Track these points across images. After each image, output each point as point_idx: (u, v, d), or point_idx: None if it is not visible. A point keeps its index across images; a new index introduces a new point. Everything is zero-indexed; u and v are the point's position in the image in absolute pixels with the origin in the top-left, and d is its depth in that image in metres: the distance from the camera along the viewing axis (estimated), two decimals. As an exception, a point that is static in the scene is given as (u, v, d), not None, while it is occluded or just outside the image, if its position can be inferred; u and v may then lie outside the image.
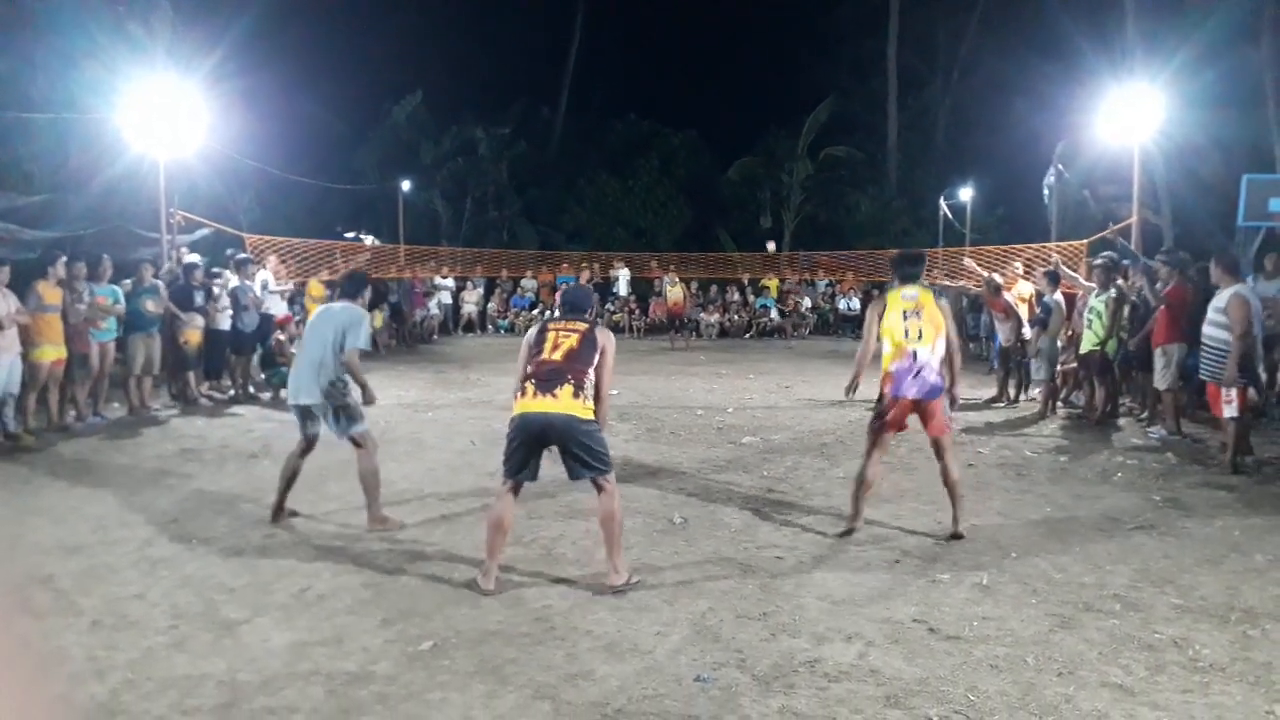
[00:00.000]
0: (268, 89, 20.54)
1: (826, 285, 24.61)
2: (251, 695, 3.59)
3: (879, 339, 5.74)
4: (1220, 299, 7.74)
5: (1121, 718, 3.46)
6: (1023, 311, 11.64)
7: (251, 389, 11.70)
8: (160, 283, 10.64)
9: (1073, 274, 11.27)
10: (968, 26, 29.60)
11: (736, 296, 23.75)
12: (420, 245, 24.59)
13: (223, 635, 4.17)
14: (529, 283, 24.34)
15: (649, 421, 9.95)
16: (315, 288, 13.96)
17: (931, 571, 5.09)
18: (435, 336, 21.46)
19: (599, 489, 4.77)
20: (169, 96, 12.37)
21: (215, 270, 11.86)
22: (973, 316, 16.18)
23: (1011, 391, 11.63)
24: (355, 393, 5.95)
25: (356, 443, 5.84)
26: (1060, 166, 18.08)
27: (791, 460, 8.05)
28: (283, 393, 11.37)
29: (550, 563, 5.17)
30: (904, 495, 5.91)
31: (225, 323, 11.38)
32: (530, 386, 4.68)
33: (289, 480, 6.02)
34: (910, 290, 5.71)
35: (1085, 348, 9.91)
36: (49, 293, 8.95)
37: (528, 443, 4.70)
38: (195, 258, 12.23)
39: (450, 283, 23.21)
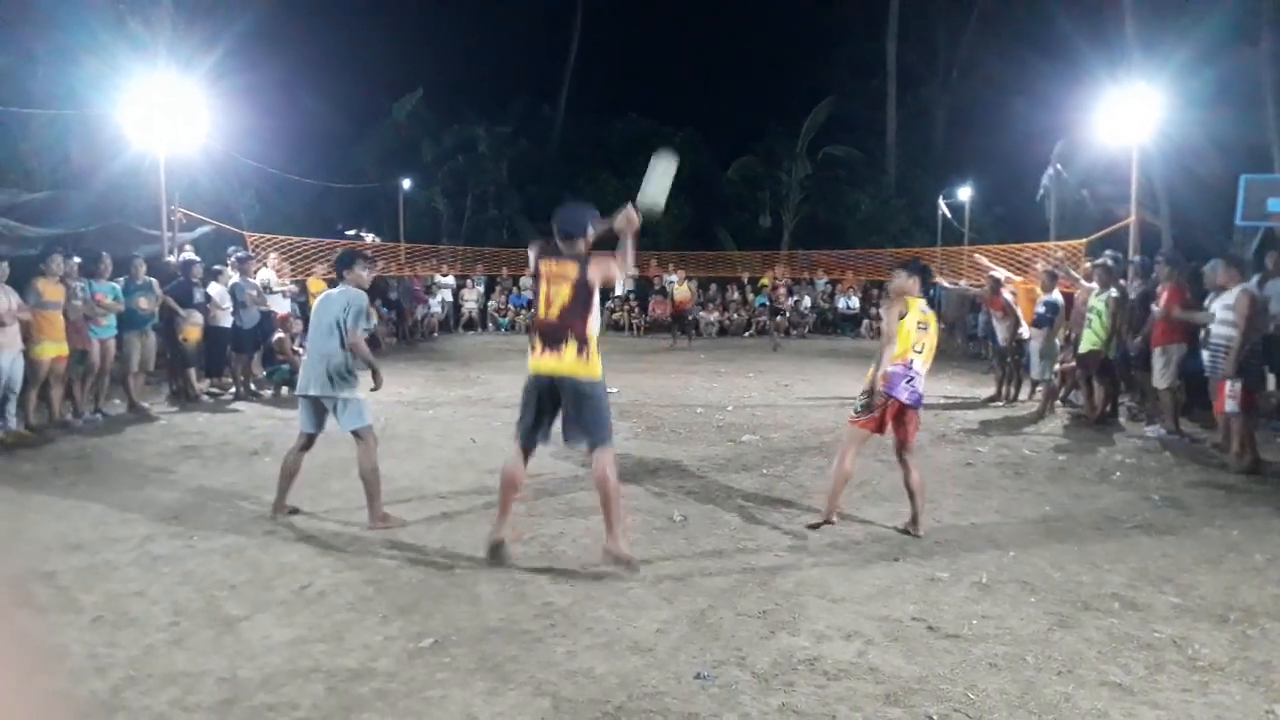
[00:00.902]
0: (268, 86, 20.52)
1: (825, 284, 24.61)
2: (252, 692, 3.60)
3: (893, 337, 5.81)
4: (1229, 297, 7.78)
5: (1121, 716, 3.47)
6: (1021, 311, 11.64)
7: (252, 386, 11.70)
8: (154, 280, 10.63)
9: (1074, 274, 11.29)
10: (967, 26, 29.62)
11: (736, 295, 23.75)
12: (421, 243, 24.60)
13: (223, 632, 4.18)
14: (529, 281, 24.32)
15: (649, 419, 9.97)
16: (316, 285, 13.96)
17: (930, 570, 5.10)
18: (436, 334, 21.47)
19: (594, 460, 4.90)
20: (170, 93, 12.38)
21: (217, 268, 11.86)
22: (972, 316, 16.18)
23: (1010, 390, 11.65)
24: (362, 388, 5.94)
25: (358, 439, 5.85)
26: (1059, 166, 18.10)
27: (791, 459, 8.07)
28: (284, 390, 11.46)
29: (551, 560, 5.18)
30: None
31: (226, 320, 11.38)
32: (538, 343, 4.86)
33: (290, 477, 6.03)
34: (925, 305, 5.91)
35: (1085, 347, 9.93)
36: (50, 289, 8.95)
37: (538, 401, 4.88)
38: (190, 253, 12.24)
39: (451, 280, 23.22)
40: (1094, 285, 9.98)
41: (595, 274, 4.87)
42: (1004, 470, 7.70)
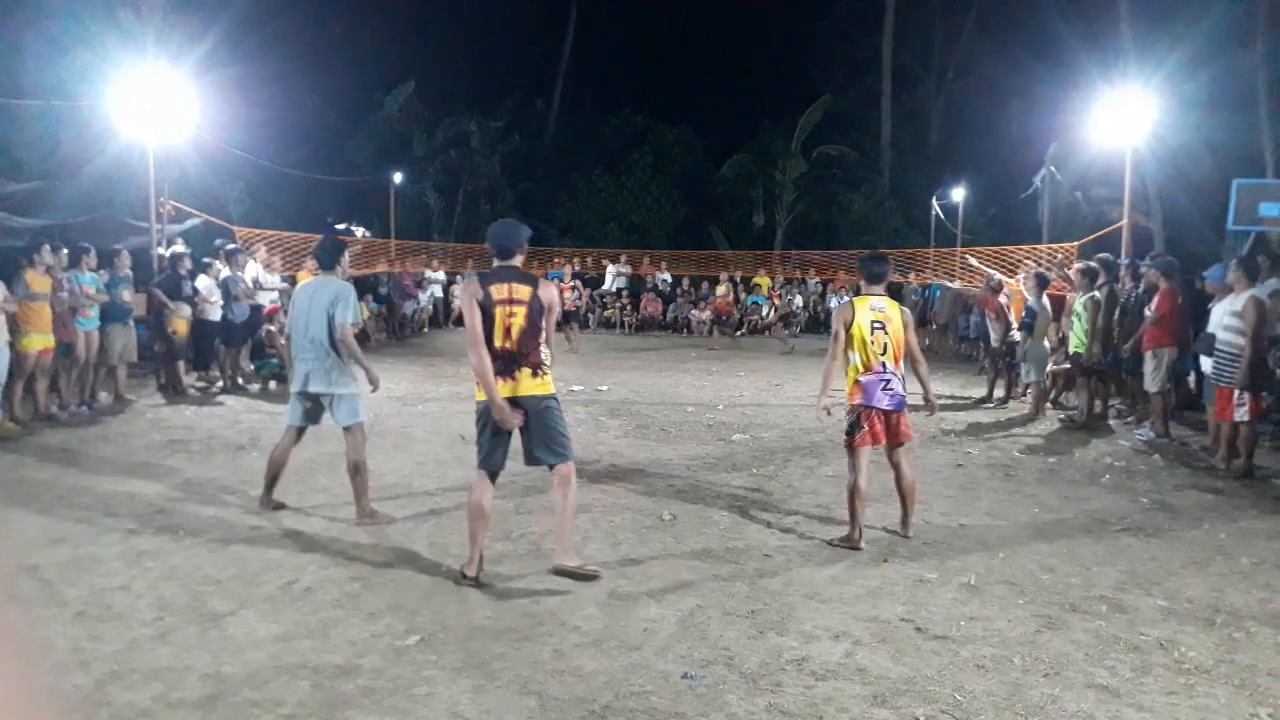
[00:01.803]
0: (259, 78, 20.44)
1: (816, 284, 24.62)
2: (237, 688, 3.57)
3: (846, 348, 5.61)
4: (1236, 303, 7.74)
5: (1106, 718, 3.47)
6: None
7: (240, 380, 11.65)
8: (130, 273, 10.53)
9: (1070, 276, 11.31)
10: (963, 27, 29.66)
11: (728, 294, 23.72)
12: (411, 239, 24.52)
13: (208, 627, 4.15)
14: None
15: (639, 418, 9.95)
16: (305, 279, 13.87)
17: (919, 571, 5.10)
18: (426, 330, 21.40)
19: (558, 478, 4.81)
20: (160, 84, 12.28)
21: (206, 261, 11.79)
22: (964, 318, 16.21)
23: (1000, 392, 11.67)
24: (360, 384, 5.89)
25: (348, 434, 5.81)
26: (1053, 168, 18.14)
27: (781, 458, 8.06)
28: (272, 384, 11.40)
29: (538, 558, 5.16)
30: (891, 495, 5.92)
31: (215, 313, 11.32)
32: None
33: (277, 472, 5.99)
34: (878, 301, 5.66)
35: (1071, 349, 9.97)
36: (37, 281, 8.88)
37: (494, 427, 4.72)
38: (179, 246, 12.16)
39: (441, 276, 23.14)
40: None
41: (546, 295, 4.79)
42: (994, 472, 7.70)
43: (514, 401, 4.68)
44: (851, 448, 5.62)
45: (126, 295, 10.25)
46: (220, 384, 11.49)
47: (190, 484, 6.72)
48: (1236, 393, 7.58)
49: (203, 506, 6.12)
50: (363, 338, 16.21)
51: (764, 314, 22.94)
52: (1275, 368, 8.11)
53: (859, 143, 29.97)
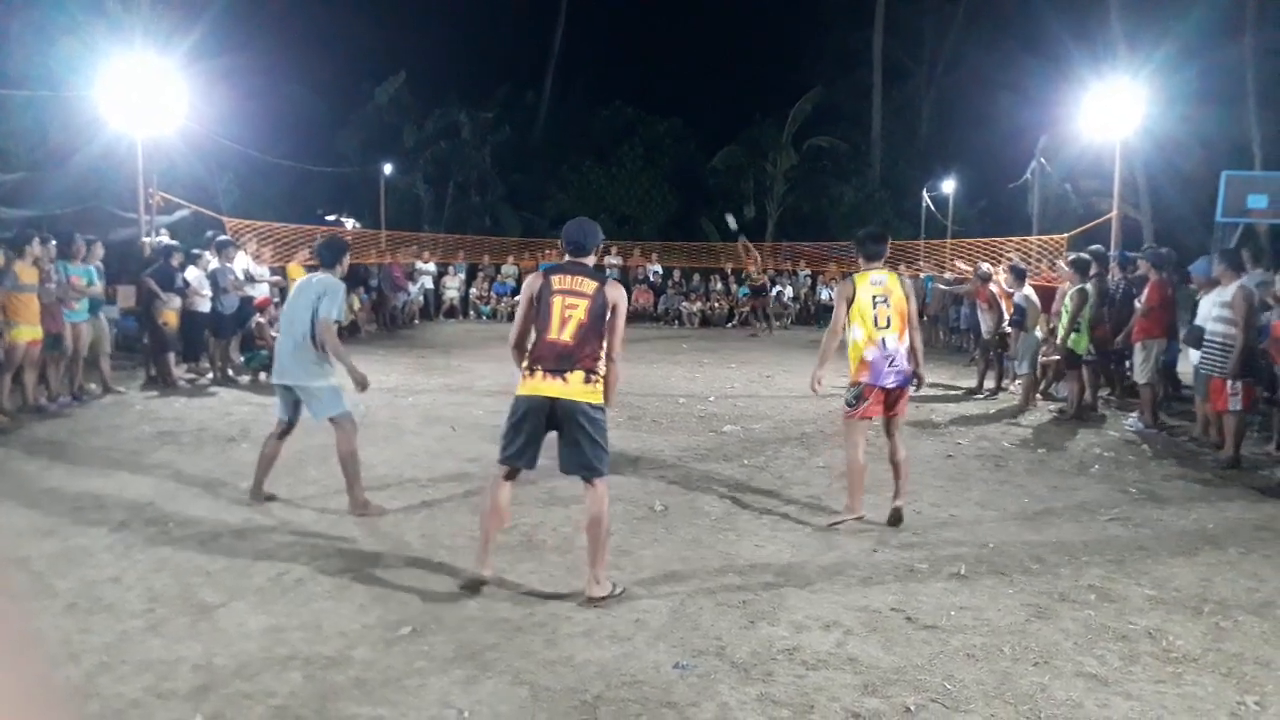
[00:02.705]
0: (247, 68, 20.33)
1: (806, 275, 24.64)
2: (228, 679, 3.57)
3: (847, 325, 5.66)
4: (1225, 294, 7.79)
5: (1095, 707, 3.49)
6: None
7: (230, 372, 11.60)
8: (100, 265, 10.42)
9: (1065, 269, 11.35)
10: (953, 19, 29.71)
11: (719, 285, 23.74)
12: (402, 230, 24.44)
13: (199, 619, 4.14)
14: (510, 269, 24.24)
15: (630, 409, 9.94)
16: (295, 271, 13.82)
17: (909, 560, 5.12)
18: (416, 321, 21.34)
19: (589, 487, 4.44)
20: (147, 74, 12.20)
21: (195, 252, 11.73)
22: (954, 309, 16.26)
23: (990, 383, 11.70)
24: (336, 376, 5.87)
25: (336, 425, 5.79)
26: (1043, 160, 18.17)
27: (772, 449, 8.08)
28: (262, 376, 11.36)
29: (530, 549, 5.16)
30: (883, 485, 5.95)
31: (204, 305, 11.26)
32: (539, 369, 4.34)
33: (267, 463, 5.97)
34: (878, 275, 5.68)
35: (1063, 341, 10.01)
36: (25, 272, 8.82)
37: (531, 426, 4.38)
38: (166, 237, 12.10)
39: (432, 267, 23.07)
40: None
41: (613, 293, 4.42)
42: (984, 462, 7.74)
43: (557, 402, 4.34)
44: (851, 420, 5.67)
45: (96, 287, 10.17)
46: (210, 375, 11.45)
47: (181, 475, 6.69)
48: (1230, 383, 7.63)
49: (193, 498, 6.10)
50: (353, 329, 16.30)
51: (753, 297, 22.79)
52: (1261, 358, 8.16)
53: (850, 135, 30.00)
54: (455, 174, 29.00)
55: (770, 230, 29.29)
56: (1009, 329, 10.99)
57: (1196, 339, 8.17)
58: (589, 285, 4.40)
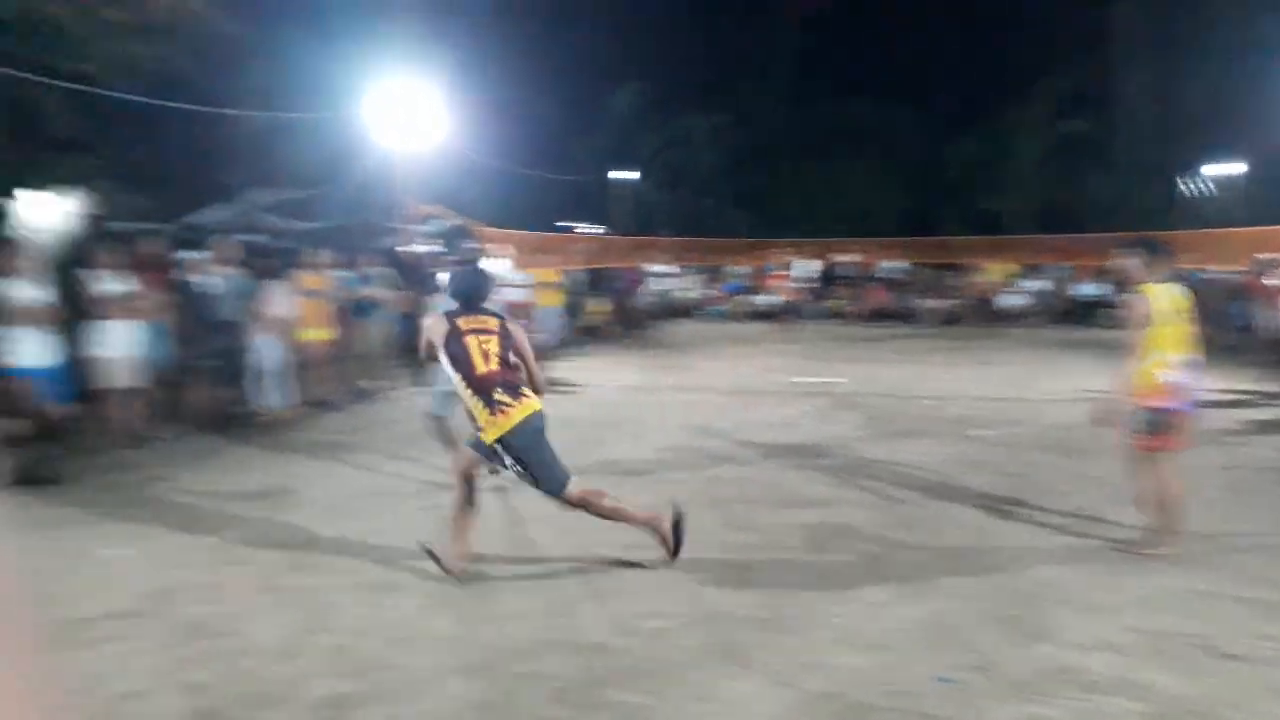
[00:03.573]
0: (487, 83, 21.51)
1: (1059, 270, 22.95)
2: (509, 660, 3.82)
3: (1142, 344, 4.99)
4: None
5: None
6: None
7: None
8: (379, 272, 11.35)
9: None
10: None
11: (965, 279, 22.57)
12: (639, 235, 25.15)
13: (479, 603, 4.44)
14: (739, 269, 24.34)
15: (871, 411, 9.67)
16: (545, 275, 14.40)
17: (1189, 581, 4.65)
18: (653, 322, 21.83)
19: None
20: (408, 94, 13.22)
21: (456, 260, 12.55)
22: (1236, 305, 14.62)
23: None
24: None
25: None
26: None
27: (1032, 456, 7.60)
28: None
29: (781, 551, 5.15)
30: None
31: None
32: (507, 398, 4.59)
33: None
34: (1172, 288, 5.11)
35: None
36: (310, 279, 9.78)
37: (547, 440, 4.72)
38: (431, 246, 13.03)
39: (667, 269, 23.60)
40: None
41: (512, 326, 4.88)
42: (1270, 475, 6.93)
43: (542, 414, 4.73)
44: (1152, 451, 5.08)
45: (371, 292, 11.12)
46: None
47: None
48: None
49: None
50: (595, 331, 16.94)
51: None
52: None
53: (1100, 119, 27.74)
54: (688, 178, 29.48)
55: (1013, 223, 27.55)
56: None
57: None
58: (492, 323, 4.83)
